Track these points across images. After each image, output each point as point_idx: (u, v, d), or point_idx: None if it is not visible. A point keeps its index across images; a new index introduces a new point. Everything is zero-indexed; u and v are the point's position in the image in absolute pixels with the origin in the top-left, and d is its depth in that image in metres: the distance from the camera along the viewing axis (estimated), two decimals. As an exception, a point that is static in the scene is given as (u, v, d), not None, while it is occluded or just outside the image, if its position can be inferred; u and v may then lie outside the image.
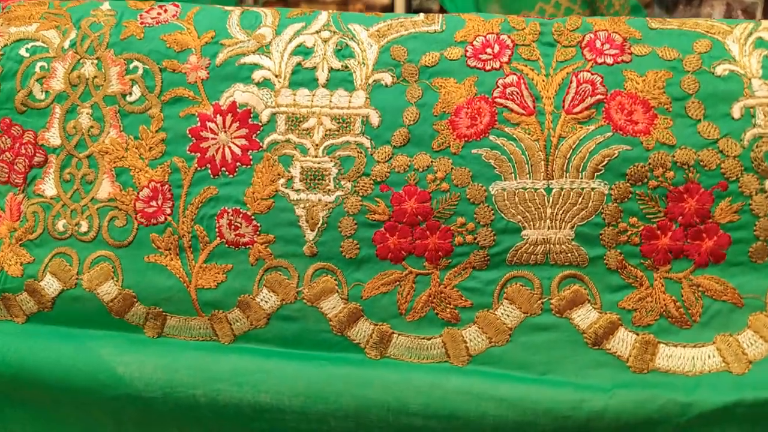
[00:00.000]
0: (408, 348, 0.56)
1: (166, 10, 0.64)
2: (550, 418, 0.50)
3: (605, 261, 0.55)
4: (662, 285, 0.54)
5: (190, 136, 0.60)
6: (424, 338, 0.56)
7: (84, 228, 0.61)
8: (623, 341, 0.54)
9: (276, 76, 0.60)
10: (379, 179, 0.58)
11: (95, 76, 0.62)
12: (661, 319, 0.54)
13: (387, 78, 0.59)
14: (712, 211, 0.54)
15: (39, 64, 0.63)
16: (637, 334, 0.54)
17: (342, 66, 0.60)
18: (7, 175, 0.62)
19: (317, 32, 0.61)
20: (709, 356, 0.52)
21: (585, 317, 0.54)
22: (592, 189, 0.55)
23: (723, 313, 0.53)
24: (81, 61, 0.62)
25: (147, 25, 0.63)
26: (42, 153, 0.62)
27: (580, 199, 0.55)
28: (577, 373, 0.53)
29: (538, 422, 0.51)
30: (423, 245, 0.57)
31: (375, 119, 0.58)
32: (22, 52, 0.63)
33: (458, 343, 0.56)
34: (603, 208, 0.55)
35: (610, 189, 0.55)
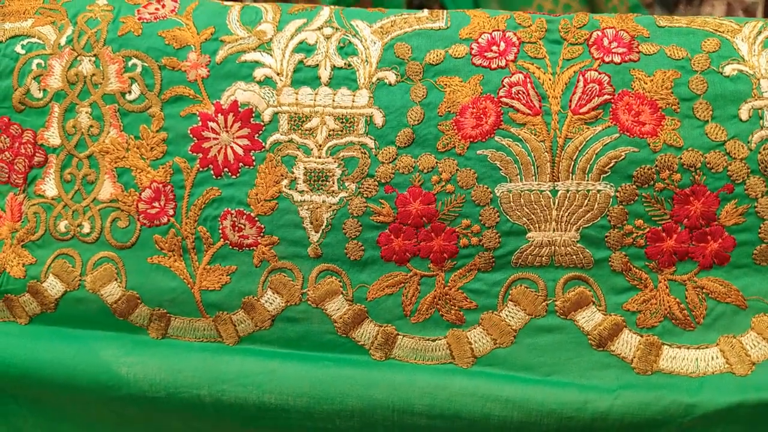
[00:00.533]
0: (413, 349, 0.57)
1: (164, 5, 0.63)
2: (555, 419, 0.51)
3: (610, 263, 0.55)
4: (667, 287, 0.54)
5: (191, 135, 0.60)
6: (428, 339, 0.56)
7: (86, 229, 0.60)
8: (627, 343, 0.54)
9: (278, 74, 0.59)
10: (383, 180, 0.57)
11: (93, 74, 0.61)
12: (665, 320, 0.54)
13: (391, 76, 0.58)
14: (717, 214, 0.54)
15: (36, 61, 0.61)
16: (642, 336, 0.54)
17: (345, 64, 0.59)
18: (7, 175, 0.61)
19: (319, 29, 0.60)
20: (712, 358, 0.53)
21: (590, 319, 0.55)
22: (598, 191, 0.55)
23: (727, 315, 0.54)
24: (78, 58, 0.61)
25: (145, 20, 0.62)
26: (42, 153, 0.61)
27: (586, 201, 0.55)
28: (582, 375, 0.53)
29: (542, 423, 0.51)
30: (428, 247, 0.56)
31: (379, 119, 0.58)
32: (18, 49, 0.62)
33: (463, 345, 0.56)
34: (609, 211, 0.55)
35: (616, 191, 0.55)
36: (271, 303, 0.58)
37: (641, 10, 1.43)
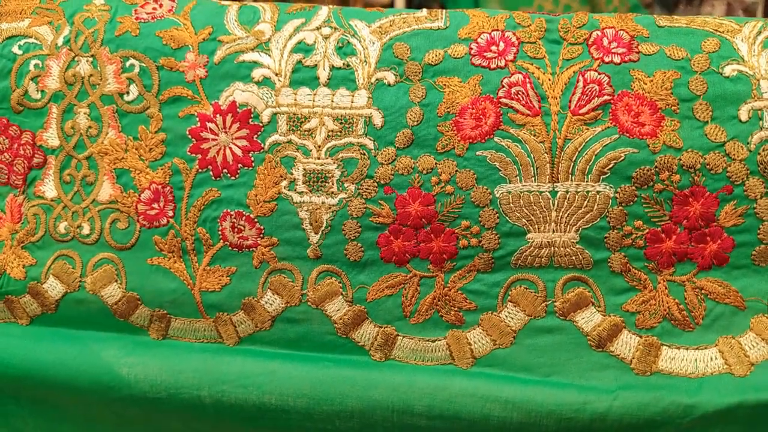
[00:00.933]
0: (413, 350, 0.57)
1: (161, 5, 0.62)
2: (554, 420, 0.51)
3: (609, 264, 0.55)
4: (666, 288, 0.55)
5: (190, 136, 0.59)
6: (428, 340, 0.57)
7: (86, 230, 0.60)
8: (626, 344, 0.54)
9: (276, 75, 0.59)
10: (382, 181, 0.57)
11: (91, 75, 0.60)
12: (665, 321, 0.54)
13: (390, 77, 0.58)
14: (716, 215, 0.54)
15: (33, 62, 0.61)
16: (641, 337, 0.54)
17: (344, 64, 0.58)
18: (6, 177, 0.61)
19: (318, 28, 0.60)
20: (711, 358, 0.53)
21: (589, 320, 0.55)
22: (598, 192, 0.55)
23: (725, 316, 0.54)
24: (76, 58, 0.61)
25: (142, 20, 0.61)
26: (41, 154, 0.61)
27: (586, 202, 0.55)
28: (581, 375, 0.53)
29: (541, 424, 0.51)
30: (427, 248, 0.56)
31: (378, 120, 0.58)
32: (15, 49, 0.62)
33: (462, 346, 0.56)
34: (608, 212, 0.55)
35: (615, 192, 0.55)
36: (270, 304, 0.58)
37: (641, 10, 1.44)
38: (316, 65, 0.59)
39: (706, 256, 0.54)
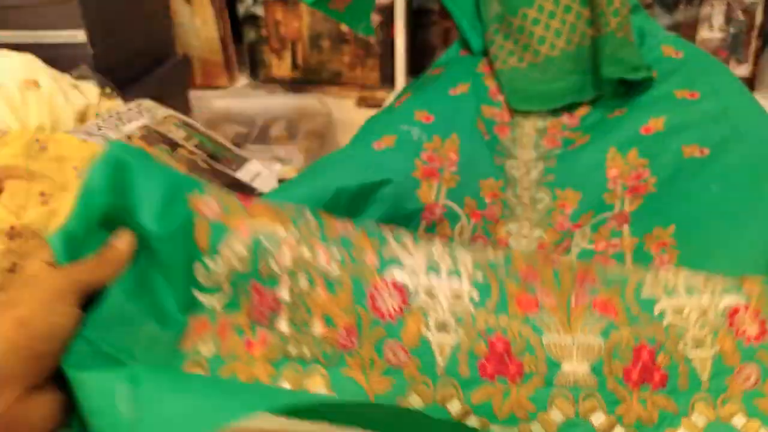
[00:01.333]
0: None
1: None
2: None
3: (607, 385, 0.99)
4: (637, 400, 0.99)
5: (367, 295, 1.01)
6: (507, 428, 0.96)
7: (306, 353, 0.98)
8: (618, 432, 0.97)
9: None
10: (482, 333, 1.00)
11: (309, 256, 1.02)
12: (637, 421, 0.97)
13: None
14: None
15: (272, 248, 1.02)
16: (625, 429, 0.97)
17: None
18: (258, 317, 0.99)
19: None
20: (664, 443, 0.96)
21: (597, 419, 0.97)
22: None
23: (669, 418, 0.98)
24: (299, 245, 1.03)
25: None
26: (277, 304, 1.00)
27: None
28: (594, 452, 0.95)
29: None
30: (507, 371, 0.98)
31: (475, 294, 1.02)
32: (262, 239, 1.03)
33: (528, 434, 0.96)
34: None
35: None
36: (413, 403, 0.97)
37: (641, 11, 1.53)
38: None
39: (656, 383, 1.00)
